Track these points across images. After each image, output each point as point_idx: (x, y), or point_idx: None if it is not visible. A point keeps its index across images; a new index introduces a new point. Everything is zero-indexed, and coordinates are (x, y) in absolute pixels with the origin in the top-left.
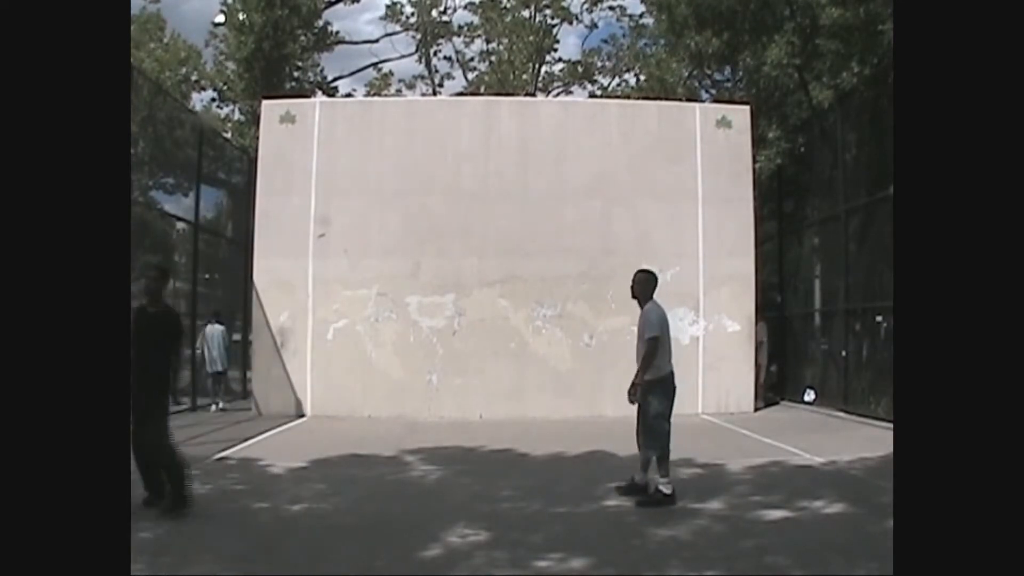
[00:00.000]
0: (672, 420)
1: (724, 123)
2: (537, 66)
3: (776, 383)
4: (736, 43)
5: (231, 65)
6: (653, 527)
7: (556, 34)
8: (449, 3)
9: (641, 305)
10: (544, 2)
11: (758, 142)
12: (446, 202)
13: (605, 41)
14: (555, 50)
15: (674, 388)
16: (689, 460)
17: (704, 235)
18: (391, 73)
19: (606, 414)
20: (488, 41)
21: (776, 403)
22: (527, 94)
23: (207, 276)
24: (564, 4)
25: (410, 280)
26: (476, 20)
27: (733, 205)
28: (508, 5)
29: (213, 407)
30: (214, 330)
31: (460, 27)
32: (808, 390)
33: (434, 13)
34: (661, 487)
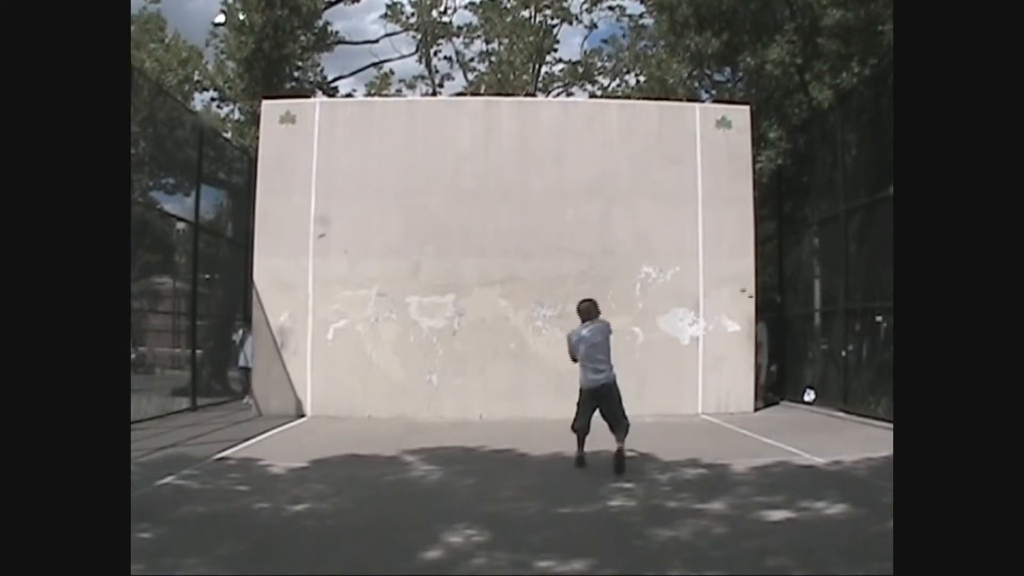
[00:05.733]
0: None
1: (724, 123)
2: (537, 66)
3: (776, 383)
4: (736, 43)
5: (231, 65)
6: (654, 527)
7: (556, 34)
8: (449, 3)
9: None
10: (544, 2)
11: (758, 142)
12: (446, 202)
13: (605, 41)
14: (555, 50)
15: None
16: (690, 460)
17: (704, 235)
18: (391, 73)
19: None
20: (488, 41)
21: (776, 403)
22: (527, 94)
23: (207, 276)
24: (564, 4)
25: (410, 280)
26: (476, 20)
27: (733, 205)
28: (508, 5)
29: (247, 399)
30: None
31: (460, 27)
32: (808, 390)
33: (434, 13)
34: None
